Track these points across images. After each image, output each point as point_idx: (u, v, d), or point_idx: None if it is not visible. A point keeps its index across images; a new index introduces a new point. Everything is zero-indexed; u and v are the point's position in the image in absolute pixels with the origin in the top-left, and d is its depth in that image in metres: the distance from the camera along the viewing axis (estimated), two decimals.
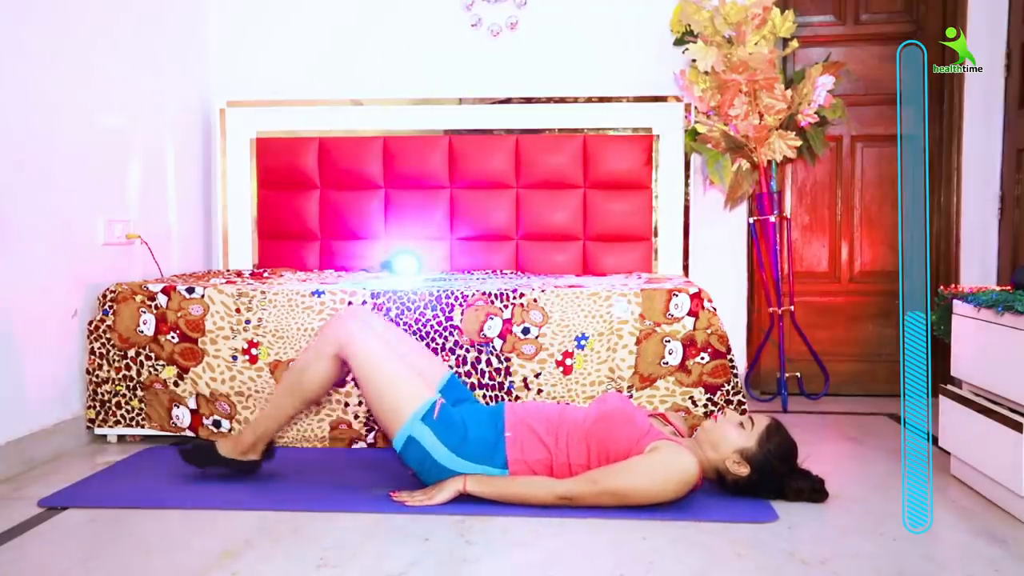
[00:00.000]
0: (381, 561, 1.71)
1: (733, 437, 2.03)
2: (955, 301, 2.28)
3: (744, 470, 2.01)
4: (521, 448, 2.02)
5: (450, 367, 2.53)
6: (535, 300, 2.57)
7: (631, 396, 2.51)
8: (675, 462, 1.93)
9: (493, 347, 2.54)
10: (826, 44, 3.50)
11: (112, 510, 2.03)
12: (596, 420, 2.04)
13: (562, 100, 3.44)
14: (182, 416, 2.61)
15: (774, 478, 2.02)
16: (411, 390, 2.05)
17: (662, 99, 3.39)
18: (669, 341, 2.52)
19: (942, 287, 2.44)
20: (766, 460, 2.00)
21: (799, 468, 2.08)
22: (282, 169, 3.49)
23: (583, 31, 3.52)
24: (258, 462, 2.23)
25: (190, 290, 2.63)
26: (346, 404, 2.56)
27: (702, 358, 2.51)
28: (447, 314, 2.56)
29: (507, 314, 2.55)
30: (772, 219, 3.25)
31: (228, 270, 3.45)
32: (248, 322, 2.59)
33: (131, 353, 2.62)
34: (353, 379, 2.12)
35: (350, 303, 2.59)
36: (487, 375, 2.54)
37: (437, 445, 2.01)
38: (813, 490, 2.05)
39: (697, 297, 2.54)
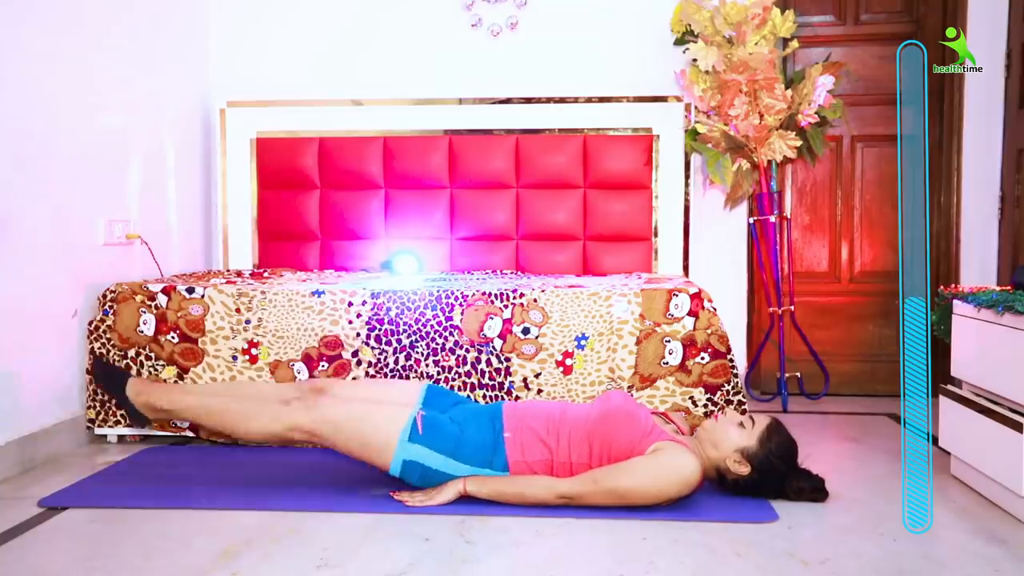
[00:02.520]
0: (381, 561, 1.71)
1: (734, 436, 2.03)
2: (955, 301, 2.28)
3: (745, 469, 2.01)
4: (521, 448, 2.02)
5: (450, 367, 2.53)
6: (535, 300, 2.57)
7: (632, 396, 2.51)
8: (677, 463, 1.92)
9: (493, 347, 2.54)
10: (826, 44, 3.50)
11: (112, 510, 2.03)
12: (599, 418, 2.04)
13: (562, 100, 3.44)
14: None
15: (775, 477, 2.02)
16: (388, 418, 2.04)
17: (662, 99, 3.39)
18: (669, 341, 2.52)
19: (942, 287, 2.44)
20: (767, 459, 2.01)
21: (799, 467, 2.08)
22: (282, 169, 3.49)
23: (583, 31, 3.52)
24: (148, 421, 2.32)
25: (190, 290, 2.63)
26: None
27: (702, 358, 2.51)
28: (447, 314, 2.56)
29: (507, 314, 2.55)
30: (772, 219, 3.25)
31: (228, 270, 3.45)
32: (248, 322, 2.59)
33: (131, 353, 2.62)
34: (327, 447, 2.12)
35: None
36: (487, 375, 2.54)
37: (432, 456, 2.01)
38: (814, 489, 2.05)
39: (697, 297, 2.54)
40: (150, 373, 2.61)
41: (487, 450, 2.02)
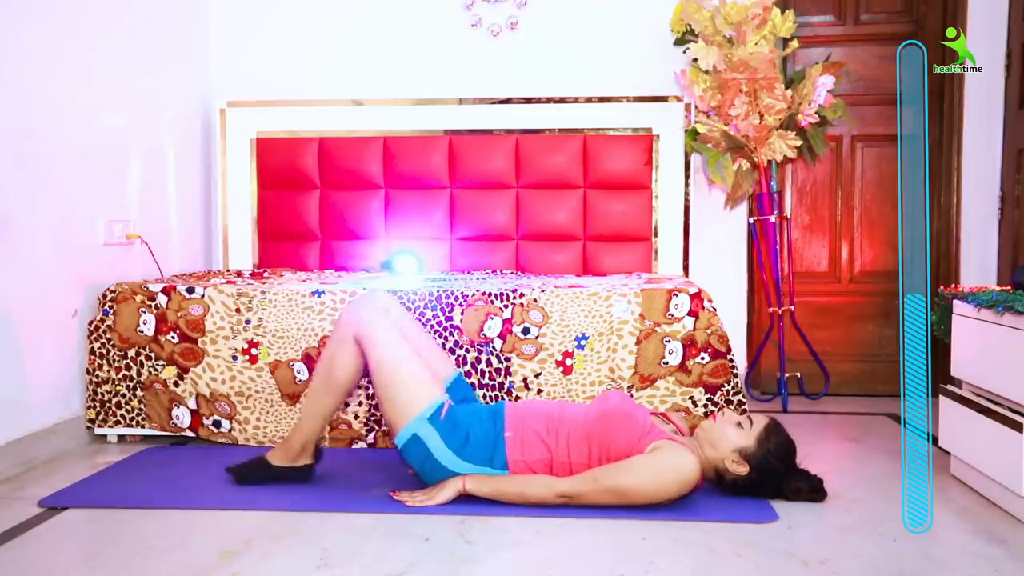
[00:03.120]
0: (381, 561, 1.71)
1: (732, 436, 2.03)
2: (955, 301, 2.28)
3: (743, 469, 2.01)
4: (521, 448, 2.02)
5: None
6: (535, 300, 2.57)
7: (631, 396, 2.51)
8: (676, 462, 1.93)
9: (493, 347, 2.54)
10: (826, 44, 3.50)
11: (112, 510, 2.03)
12: (597, 418, 2.04)
13: (562, 100, 3.44)
14: (182, 416, 2.61)
15: (773, 477, 2.02)
16: (421, 388, 2.04)
17: (662, 99, 3.39)
18: (669, 341, 2.52)
19: (942, 287, 2.44)
20: (765, 459, 2.01)
21: (798, 468, 2.08)
22: (282, 169, 3.49)
23: (583, 31, 3.52)
24: (311, 466, 2.21)
25: (190, 290, 2.63)
26: (346, 404, 2.56)
27: (702, 358, 2.51)
28: (447, 314, 2.56)
29: (507, 314, 2.55)
30: (772, 219, 3.25)
31: (228, 270, 3.45)
32: (248, 322, 2.59)
33: (131, 353, 2.62)
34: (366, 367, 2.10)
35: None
36: (487, 375, 2.54)
37: (441, 446, 2.01)
38: (812, 489, 2.05)
39: (697, 297, 2.54)
40: (150, 373, 2.61)
41: (488, 448, 2.02)
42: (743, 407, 2.50)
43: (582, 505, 1.96)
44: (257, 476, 2.19)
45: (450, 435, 2.01)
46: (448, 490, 2.01)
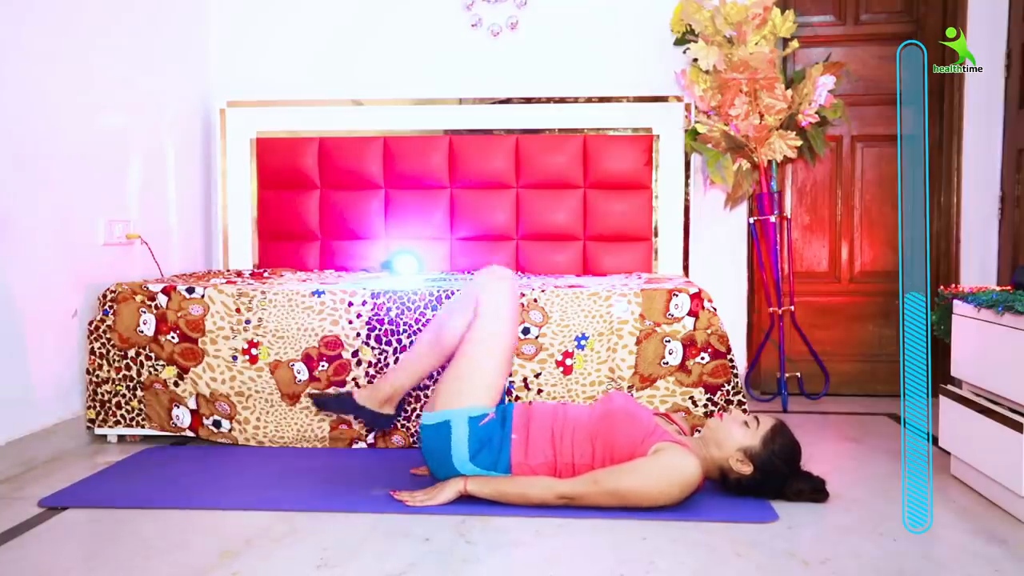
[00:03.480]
0: (381, 561, 1.71)
1: (738, 436, 2.03)
2: (955, 301, 2.28)
3: (747, 469, 2.01)
4: (525, 451, 2.02)
5: None
6: (535, 300, 2.57)
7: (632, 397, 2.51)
8: (678, 463, 1.92)
9: None
10: (826, 44, 3.50)
11: (112, 510, 2.03)
12: (601, 418, 2.04)
13: (562, 100, 3.44)
14: (182, 416, 2.61)
15: (776, 478, 2.02)
16: (485, 387, 2.04)
17: (662, 99, 3.39)
18: (669, 341, 2.52)
19: (942, 287, 2.44)
20: (769, 460, 2.00)
21: (801, 470, 2.07)
22: (282, 169, 3.49)
23: (583, 31, 3.52)
24: (392, 416, 2.19)
25: (190, 290, 2.63)
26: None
27: (702, 358, 2.51)
28: None
29: None
30: (772, 219, 3.25)
31: (228, 270, 3.45)
32: (248, 322, 2.59)
33: (131, 353, 2.62)
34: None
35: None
36: None
37: (462, 445, 2.00)
38: (814, 490, 2.05)
39: (697, 297, 2.54)
40: (150, 373, 2.61)
41: (495, 453, 2.02)
42: (743, 407, 2.50)
43: (583, 507, 1.96)
44: (337, 407, 2.16)
45: (475, 441, 2.01)
46: (449, 491, 2.01)
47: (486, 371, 2.05)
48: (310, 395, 2.17)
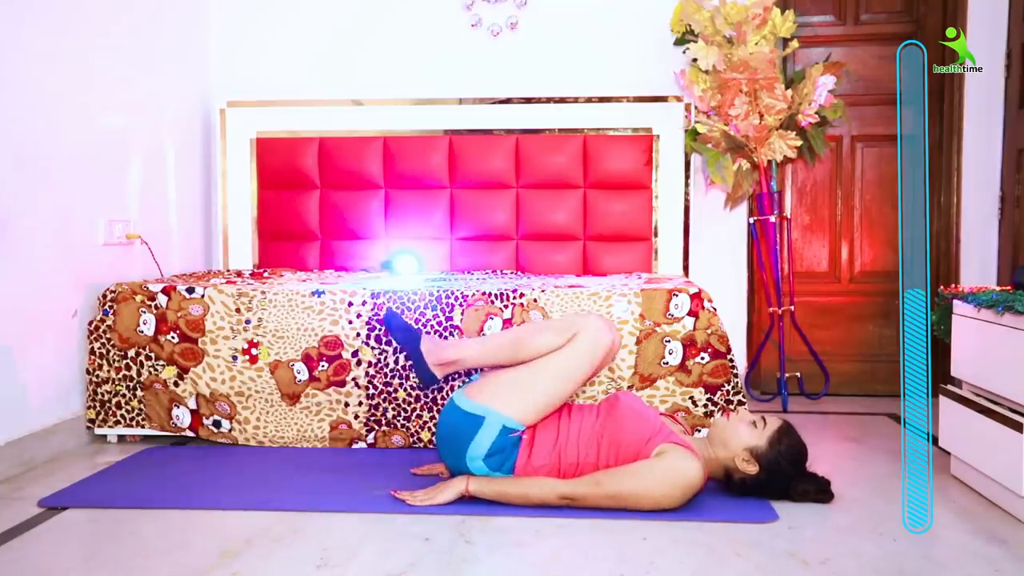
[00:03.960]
0: (381, 561, 1.71)
1: (744, 435, 2.03)
2: (955, 301, 2.28)
3: (753, 468, 2.01)
4: (529, 452, 2.02)
5: None
6: (535, 300, 2.57)
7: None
8: (680, 468, 1.92)
9: None
10: (826, 44, 3.50)
11: (112, 510, 2.03)
12: (607, 417, 2.04)
13: (562, 100, 3.44)
14: (182, 416, 2.61)
15: (782, 479, 2.02)
16: (534, 409, 2.02)
17: (662, 99, 3.39)
18: (669, 341, 2.52)
19: (942, 287, 2.44)
20: (776, 460, 2.00)
21: (807, 471, 2.07)
22: (282, 169, 3.49)
23: (583, 31, 3.52)
24: (437, 380, 2.20)
25: (190, 290, 2.63)
26: (346, 404, 2.56)
27: (702, 358, 2.51)
28: (447, 314, 2.56)
29: (507, 314, 2.55)
30: (772, 219, 3.25)
31: (228, 270, 3.45)
32: (248, 322, 2.59)
33: (131, 353, 2.62)
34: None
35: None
36: None
37: (482, 446, 2.00)
38: (819, 491, 2.05)
39: (697, 297, 2.54)
40: (150, 373, 2.61)
41: (502, 456, 2.02)
42: (743, 407, 2.49)
43: (584, 508, 1.96)
44: (402, 337, 2.18)
45: (495, 447, 2.00)
46: (450, 491, 2.01)
47: (547, 394, 2.03)
48: (388, 308, 2.18)
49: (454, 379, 2.51)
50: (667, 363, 2.51)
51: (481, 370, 2.23)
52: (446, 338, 2.53)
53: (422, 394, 2.53)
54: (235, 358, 2.58)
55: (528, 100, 3.45)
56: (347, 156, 3.45)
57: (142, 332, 2.61)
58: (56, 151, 2.58)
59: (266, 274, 3.19)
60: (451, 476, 2.12)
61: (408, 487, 2.11)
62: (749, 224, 3.41)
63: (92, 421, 2.63)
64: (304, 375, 2.56)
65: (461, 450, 2.02)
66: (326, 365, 2.56)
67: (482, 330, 2.54)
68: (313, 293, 2.61)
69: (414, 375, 2.19)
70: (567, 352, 2.05)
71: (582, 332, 2.06)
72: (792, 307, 3.29)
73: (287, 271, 3.33)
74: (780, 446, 2.01)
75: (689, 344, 2.51)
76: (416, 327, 2.24)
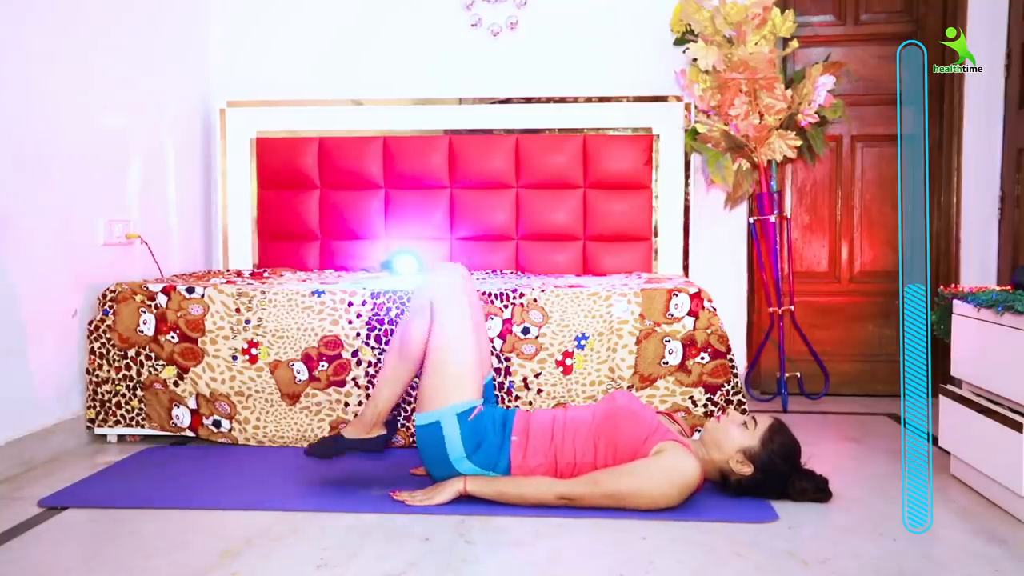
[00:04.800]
0: (381, 561, 1.71)
1: (736, 437, 2.03)
2: (955, 301, 2.28)
3: (747, 469, 2.01)
4: (524, 453, 2.02)
5: None
6: (535, 300, 2.57)
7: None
8: (678, 467, 1.92)
9: (493, 347, 2.54)
10: (826, 44, 3.50)
11: (112, 510, 2.03)
12: (605, 416, 2.04)
13: (562, 100, 3.44)
14: (182, 416, 2.61)
15: (777, 478, 2.02)
16: (465, 381, 2.03)
17: (662, 99, 3.39)
18: (669, 341, 2.52)
19: (942, 287, 2.44)
20: (769, 459, 2.00)
21: (803, 468, 2.07)
22: (282, 169, 3.49)
23: (583, 31, 3.52)
24: (385, 436, 2.16)
25: (190, 290, 2.63)
26: (346, 404, 2.56)
27: (702, 358, 2.51)
28: None
29: (507, 314, 2.55)
30: (772, 219, 3.25)
31: (228, 270, 3.45)
32: (248, 322, 2.59)
33: (131, 353, 2.62)
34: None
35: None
36: None
37: (456, 444, 2.00)
38: (817, 490, 2.05)
39: (697, 297, 2.54)
40: (150, 373, 2.61)
41: (494, 455, 2.02)
42: (743, 407, 2.50)
43: (582, 507, 1.96)
44: (330, 450, 2.14)
45: (469, 437, 2.01)
46: (448, 491, 2.01)
47: (460, 364, 2.05)
48: (304, 451, 2.18)
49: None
50: (667, 363, 2.51)
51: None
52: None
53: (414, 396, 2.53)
54: (235, 358, 2.58)
55: (528, 100, 3.45)
56: (347, 156, 3.45)
57: (142, 332, 2.61)
58: (56, 151, 2.58)
59: (266, 274, 3.18)
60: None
61: (408, 487, 2.11)
62: (749, 224, 3.41)
63: (92, 421, 2.63)
64: (304, 375, 2.56)
65: (444, 461, 2.02)
66: (326, 365, 2.56)
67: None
68: (313, 293, 2.61)
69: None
70: (440, 319, 2.06)
71: (433, 294, 2.08)
72: (792, 307, 3.29)
73: (287, 271, 3.33)
74: (772, 444, 2.01)
75: (689, 344, 2.51)
76: (327, 436, 2.21)
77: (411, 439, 2.55)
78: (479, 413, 2.04)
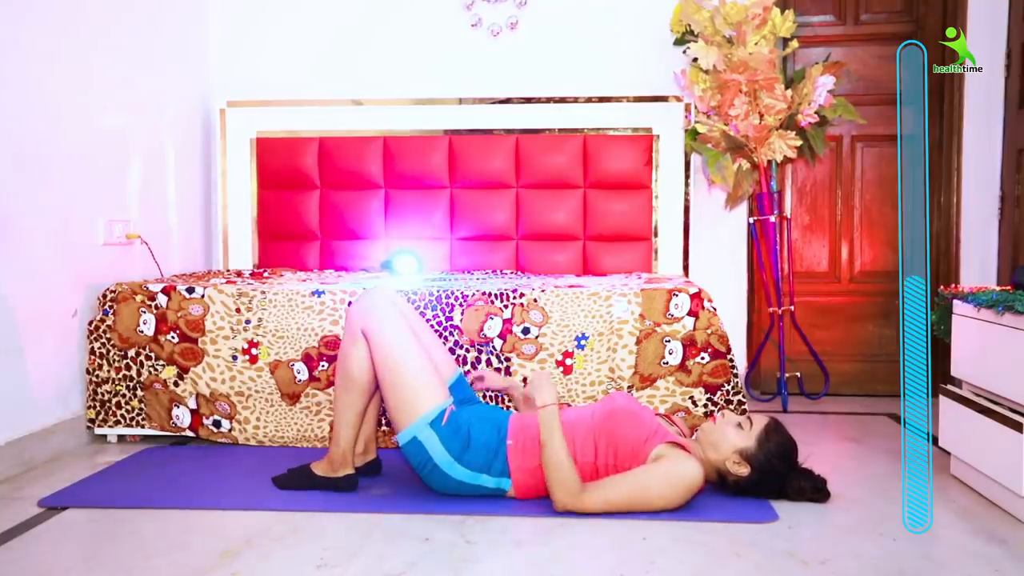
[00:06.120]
0: (381, 561, 1.71)
1: (732, 437, 2.03)
2: (955, 301, 2.28)
3: (744, 470, 2.01)
4: (521, 455, 2.02)
5: None
6: (535, 300, 2.57)
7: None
8: (681, 471, 1.92)
9: (493, 347, 2.54)
10: (826, 44, 3.50)
11: (112, 510, 2.03)
12: (604, 417, 2.04)
13: (562, 100, 3.44)
14: (182, 416, 2.61)
15: (775, 477, 2.02)
16: (426, 390, 2.03)
17: (662, 99, 3.39)
18: (669, 341, 2.52)
19: (942, 287, 2.44)
20: (766, 459, 2.00)
21: (800, 467, 2.07)
22: (282, 169, 3.49)
23: (583, 31, 3.52)
24: (354, 475, 2.15)
25: (190, 290, 2.63)
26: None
27: (702, 358, 2.51)
28: (447, 314, 2.56)
29: (507, 314, 2.55)
30: (772, 219, 3.25)
31: (228, 270, 3.45)
32: (248, 322, 2.59)
33: (131, 353, 2.62)
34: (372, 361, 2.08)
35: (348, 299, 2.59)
36: None
37: (441, 451, 2.00)
38: (815, 489, 2.05)
39: (697, 297, 2.54)
40: (150, 373, 2.61)
41: (489, 456, 2.02)
42: (743, 407, 2.50)
43: (587, 514, 1.95)
44: (299, 483, 2.16)
45: (451, 440, 2.00)
46: (543, 389, 2.03)
47: (413, 375, 2.03)
48: (272, 481, 2.19)
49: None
50: (667, 363, 2.51)
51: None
52: (445, 339, 2.53)
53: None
54: (235, 358, 2.58)
55: (528, 100, 3.45)
56: (347, 156, 3.45)
57: (142, 332, 2.61)
58: (56, 151, 2.58)
59: (266, 274, 3.19)
60: (453, 494, 2.08)
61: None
62: (749, 224, 3.41)
63: (92, 421, 2.63)
64: (304, 375, 2.56)
65: (434, 469, 2.01)
66: (326, 365, 2.56)
67: (482, 329, 2.54)
68: (313, 293, 2.61)
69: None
70: (375, 341, 2.05)
71: (361, 320, 2.09)
72: (792, 307, 3.29)
73: (287, 271, 3.33)
74: (768, 444, 2.01)
75: (689, 344, 2.51)
76: (296, 468, 2.22)
77: None
78: (451, 413, 2.03)
